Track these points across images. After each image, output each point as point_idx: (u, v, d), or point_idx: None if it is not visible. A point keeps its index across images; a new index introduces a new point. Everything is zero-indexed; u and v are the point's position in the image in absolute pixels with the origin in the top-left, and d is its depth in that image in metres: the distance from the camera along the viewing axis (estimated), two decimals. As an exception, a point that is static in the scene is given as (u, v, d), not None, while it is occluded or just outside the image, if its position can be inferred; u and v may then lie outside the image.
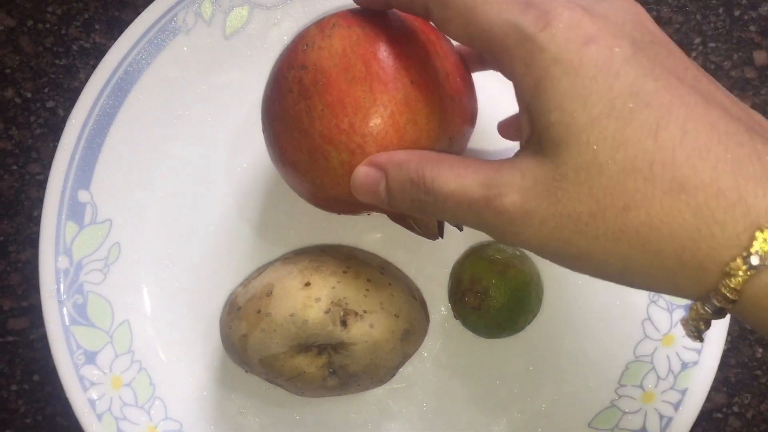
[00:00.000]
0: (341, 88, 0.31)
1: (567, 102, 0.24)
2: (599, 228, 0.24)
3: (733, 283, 0.23)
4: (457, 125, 0.33)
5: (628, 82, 0.24)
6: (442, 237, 0.34)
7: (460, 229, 0.35)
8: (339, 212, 0.36)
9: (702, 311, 0.24)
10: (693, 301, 0.25)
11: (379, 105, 0.31)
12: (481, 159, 0.28)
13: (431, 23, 0.29)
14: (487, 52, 0.27)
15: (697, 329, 0.25)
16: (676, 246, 0.23)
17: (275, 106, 0.34)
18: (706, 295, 0.24)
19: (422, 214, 0.30)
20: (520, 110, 0.27)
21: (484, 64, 0.37)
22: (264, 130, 0.36)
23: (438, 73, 0.33)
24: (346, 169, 0.32)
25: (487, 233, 0.27)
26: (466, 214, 0.27)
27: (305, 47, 0.33)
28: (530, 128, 0.26)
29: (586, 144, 0.24)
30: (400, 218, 0.34)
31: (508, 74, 0.27)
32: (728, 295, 0.23)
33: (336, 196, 0.34)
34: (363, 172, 0.31)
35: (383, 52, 0.32)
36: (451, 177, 0.27)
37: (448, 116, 0.33)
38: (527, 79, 0.25)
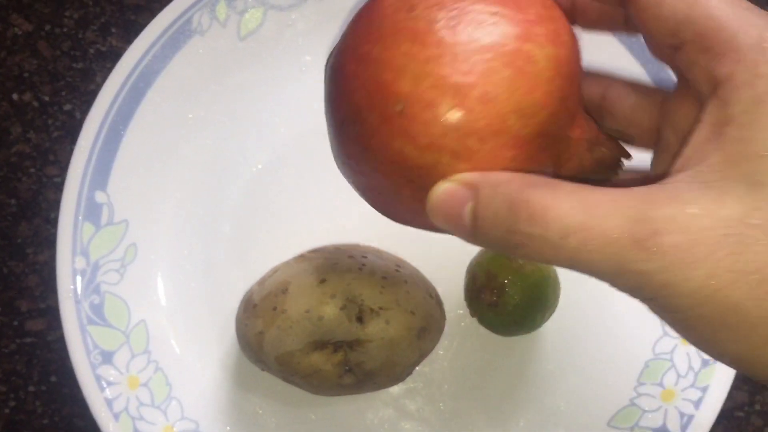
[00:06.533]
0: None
1: None
2: None
3: None
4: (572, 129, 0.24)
5: None
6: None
7: None
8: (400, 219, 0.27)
9: None
10: None
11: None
12: (603, 186, 0.21)
13: None
14: (695, 41, 0.21)
15: None
16: None
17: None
18: None
19: (514, 253, 0.22)
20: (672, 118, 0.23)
21: (609, 25, 0.27)
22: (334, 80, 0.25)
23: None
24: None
25: (616, 283, 0.21)
26: (594, 256, 0.20)
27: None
28: (702, 148, 0.21)
29: None
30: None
31: (706, 74, 0.21)
32: None
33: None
34: (444, 189, 0.23)
35: None
36: (575, 206, 0.20)
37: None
38: (745, 91, 0.20)
